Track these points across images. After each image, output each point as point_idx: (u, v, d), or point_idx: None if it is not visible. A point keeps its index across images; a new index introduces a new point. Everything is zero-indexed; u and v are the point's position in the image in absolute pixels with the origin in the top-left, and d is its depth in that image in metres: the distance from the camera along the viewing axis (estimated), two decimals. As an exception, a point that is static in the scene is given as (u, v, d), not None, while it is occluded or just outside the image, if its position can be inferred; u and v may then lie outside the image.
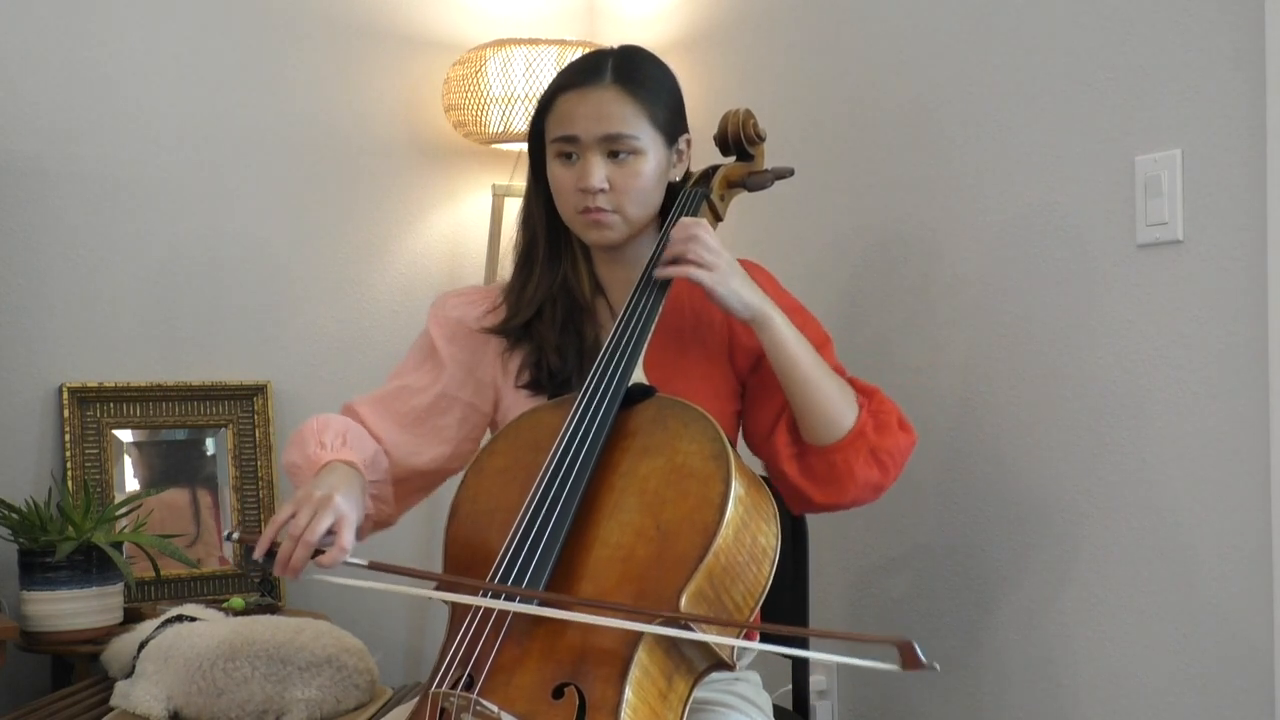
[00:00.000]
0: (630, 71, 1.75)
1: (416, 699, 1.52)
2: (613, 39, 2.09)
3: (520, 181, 1.98)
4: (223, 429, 2.66)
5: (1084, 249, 2.00)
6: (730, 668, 1.48)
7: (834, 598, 2.45)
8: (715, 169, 1.85)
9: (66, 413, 2.50)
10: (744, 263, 1.76)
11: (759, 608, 1.52)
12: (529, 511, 1.52)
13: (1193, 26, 1.84)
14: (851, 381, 1.76)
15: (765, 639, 1.69)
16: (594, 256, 1.84)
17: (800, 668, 1.99)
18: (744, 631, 1.54)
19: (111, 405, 2.55)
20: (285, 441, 1.89)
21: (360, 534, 1.74)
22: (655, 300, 1.70)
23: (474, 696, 1.40)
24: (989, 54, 2.14)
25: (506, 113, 2.67)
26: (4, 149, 2.47)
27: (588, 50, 2.50)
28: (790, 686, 2.01)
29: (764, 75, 2.59)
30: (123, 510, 2.39)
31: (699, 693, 1.50)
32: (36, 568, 2.27)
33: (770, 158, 1.89)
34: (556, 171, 1.76)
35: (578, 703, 1.40)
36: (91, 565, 2.27)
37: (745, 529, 1.50)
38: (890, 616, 2.35)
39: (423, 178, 2.89)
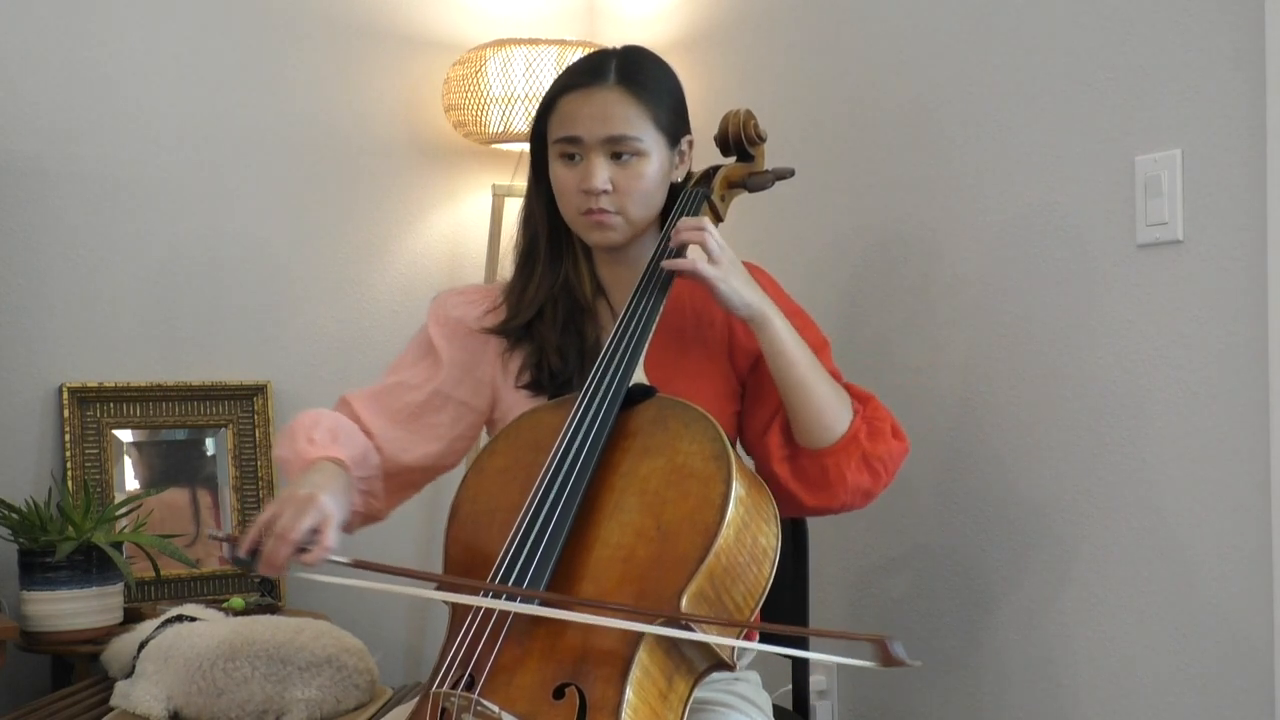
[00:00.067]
0: (634, 73, 1.75)
1: (417, 699, 1.53)
2: (613, 39, 2.09)
3: (521, 182, 1.98)
4: (223, 429, 2.66)
5: (1084, 249, 2.00)
6: (730, 668, 1.49)
7: (834, 598, 2.45)
8: (716, 169, 1.86)
9: (66, 413, 2.50)
10: (746, 264, 1.76)
11: (759, 608, 1.53)
12: (529, 512, 1.52)
13: (1193, 26, 1.85)
14: (848, 387, 1.76)
15: (762, 638, 1.69)
16: (595, 257, 1.84)
17: (800, 667, 1.99)
18: (744, 631, 1.54)
19: (111, 405, 2.55)
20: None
21: (349, 528, 1.76)
22: (656, 300, 1.70)
23: (475, 697, 1.40)
24: (989, 54, 2.14)
25: (506, 113, 2.67)
26: (4, 149, 2.47)
27: (588, 50, 2.51)
28: (790, 686, 2.01)
29: (764, 75, 2.60)
30: (123, 510, 2.39)
31: (699, 693, 1.50)
32: (36, 568, 2.27)
33: (770, 158, 1.89)
34: (559, 172, 1.76)
35: (578, 703, 1.40)
36: (91, 565, 2.27)
37: (746, 529, 1.50)
38: (890, 616, 2.35)
39: (423, 178, 2.89)
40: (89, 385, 2.53)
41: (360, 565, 1.50)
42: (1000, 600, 2.15)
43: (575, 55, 2.63)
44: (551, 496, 1.52)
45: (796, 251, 2.48)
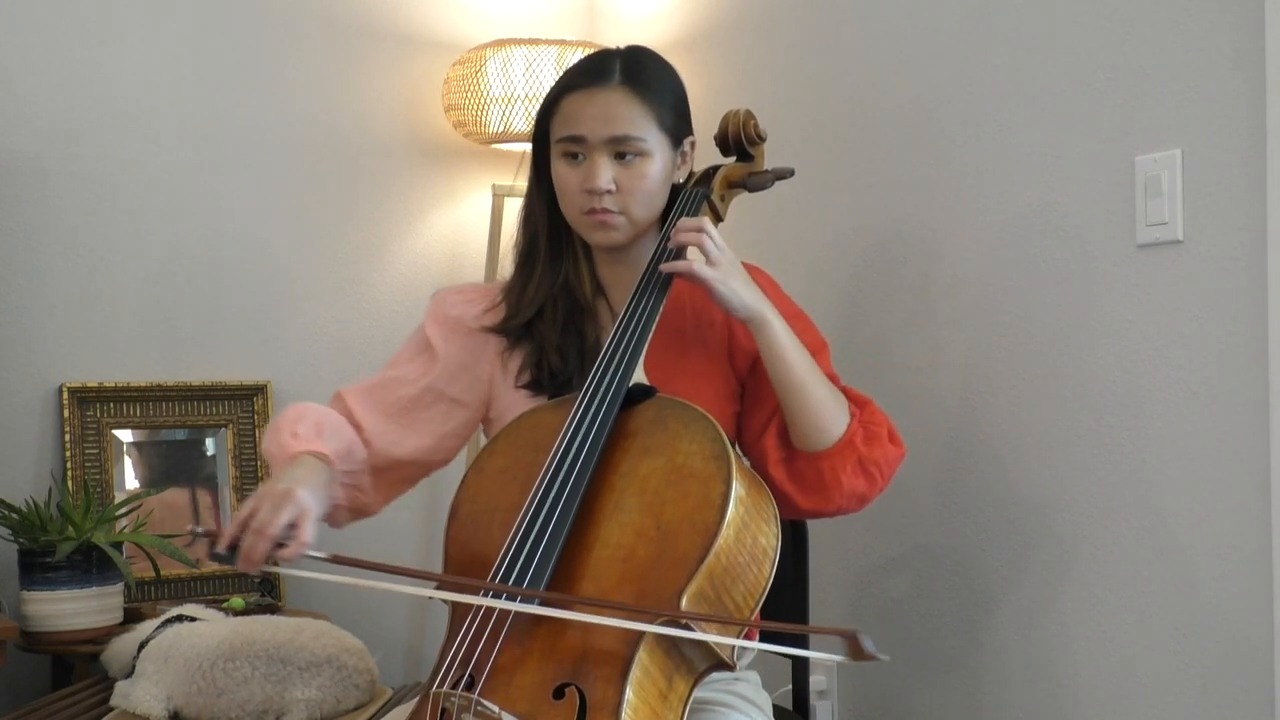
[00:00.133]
0: (638, 73, 1.75)
1: (417, 699, 1.53)
2: (613, 39, 2.09)
3: (521, 182, 1.98)
4: (223, 429, 2.66)
5: (1084, 249, 2.00)
6: (730, 668, 1.48)
7: (834, 598, 2.45)
8: (716, 169, 1.85)
9: (66, 413, 2.50)
10: (746, 265, 1.76)
11: (759, 608, 1.53)
12: (530, 511, 1.52)
13: (1193, 26, 1.85)
14: (845, 390, 1.76)
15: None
16: (595, 257, 1.84)
17: (800, 667, 1.99)
18: (744, 631, 1.54)
19: (111, 405, 2.55)
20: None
21: (336, 522, 1.77)
22: (656, 300, 1.70)
23: (475, 696, 1.40)
24: (989, 54, 2.14)
25: (506, 113, 2.67)
26: (4, 149, 2.47)
27: (588, 50, 2.51)
28: (790, 686, 2.01)
29: (764, 75, 2.59)
30: (123, 510, 2.39)
31: (699, 693, 1.50)
32: (36, 568, 2.27)
33: (770, 158, 1.89)
34: (561, 171, 1.76)
35: (578, 703, 1.40)
36: (91, 565, 2.27)
37: (746, 529, 1.50)
38: (890, 616, 2.35)
39: (423, 178, 2.89)
40: (89, 385, 2.53)
41: (338, 560, 1.51)
42: (1000, 600, 2.15)
43: (575, 55, 2.63)
44: (551, 496, 1.52)
45: (796, 251, 2.48)
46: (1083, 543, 2.01)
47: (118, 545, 2.30)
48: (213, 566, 2.60)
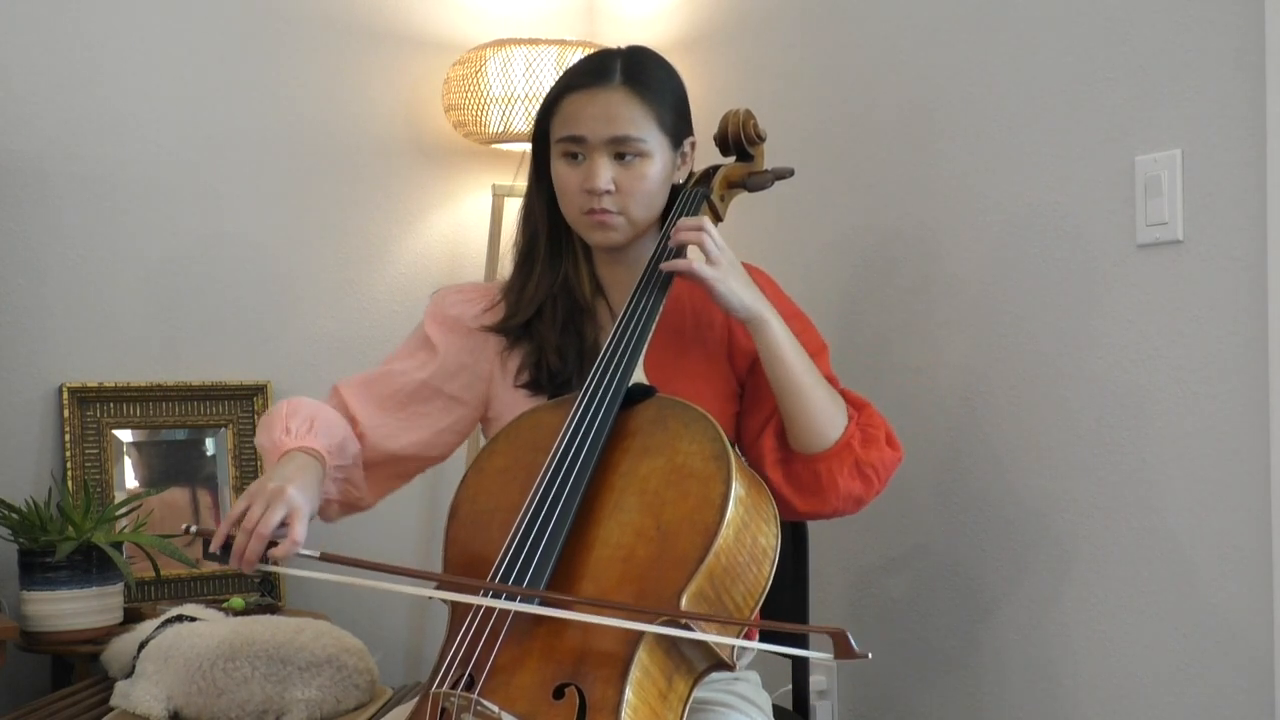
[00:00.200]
0: (639, 73, 1.75)
1: (416, 699, 1.52)
2: (613, 39, 2.09)
3: (521, 182, 1.98)
4: (223, 429, 2.66)
5: (1084, 249, 2.00)
6: (730, 668, 1.48)
7: (834, 598, 2.45)
8: (715, 169, 1.85)
9: (66, 413, 2.50)
10: (746, 266, 1.76)
11: (759, 608, 1.53)
12: (529, 511, 1.52)
13: (1193, 26, 1.84)
14: (844, 393, 1.76)
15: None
16: (595, 257, 1.84)
17: (800, 667, 1.99)
18: (744, 631, 1.54)
19: (111, 405, 2.55)
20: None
21: (329, 517, 1.78)
22: (655, 300, 1.70)
23: (474, 696, 1.40)
24: (989, 54, 2.14)
25: (506, 113, 2.67)
26: (4, 149, 2.47)
27: (588, 50, 2.51)
28: (790, 686, 2.01)
29: (764, 75, 2.59)
30: (123, 510, 2.39)
31: (699, 693, 1.50)
32: (36, 568, 2.27)
33: (770, 158, 1.89)
34: (561, 171, 1.76)
35: (578, 703, 1.40)
36: (91, 565, 2.27)
37: (746, 529, 1.50)
38: (890, 617, 2.35)
39: (423, 178, 2.89)
40: (89, 385, 2.53)
41: (331, 559, 1.51)
42: (1000, 600, 2.15)
43: (575, 55, 2.63)
44: (551, 496, 1.52)
45: (796, 252, 2.48)
46: (1083, 543, 2.01)
47: (118, 545, 2.30)
48: (213, 566, 2.60)
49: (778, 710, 1.88)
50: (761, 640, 1.63)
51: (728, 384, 1.80)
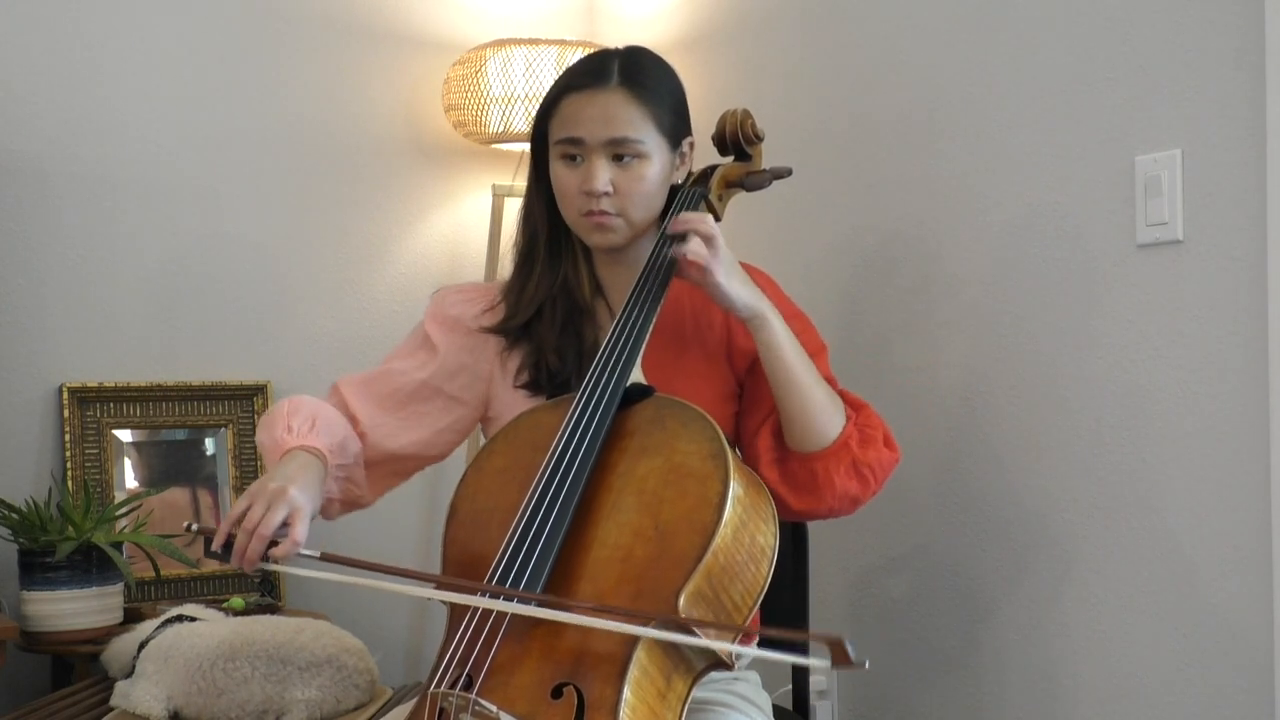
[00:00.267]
0: (636, 74, 1.74)
1: (416, 699, 1.52)
2: (613, 39, 2.09)
3: (521, 182, 1.98)
4: (223, 429, 2.66)
5: (1084, 249, 2.00)
6: (729, 667, 1.48)
7: (834, 598, 2.45)
8: (713, 169, 1.85)
9: (66, 413, 2.50)
10: (746, 266, 1.76)
11: (757, 607, 1.52)
12: (527, 512, 1.52)
13: (1193, 26, 1.84)
14: (842, 394, 1.76)
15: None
16: (594, 258, 1.84)
17: (800, 667, 1.98)
18: (740, 633, 1.54)
19: (111, 405, 2.55)
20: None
21: (330, 515, 1.78)
22: (654, 300, 1.70)
23: (473, 696, 1.40)
24: (989, 54, 2.14)
25: (506, 113, 2.67)
26: (4, 149, 2.47)
27: (588, 50, 2.51)
28: (790, 686, 2.01)
29: (764, 75, 2.59)
30: (123, 510, 2.39)
31: (698, 692, 1.50)
32: (36, 568, 2.27)
33: (770, 158, 1.89)
34: (560, 173, 1.76)
35: (576, 702, 1.40)
36: (91, 565, 2.27)
37: (744, 528, 1.50)
38: (890, 617, 2.35)
39: (423, 178, 2.89)
40: (89, 385, 2.53)
41: (330, 559, 1.51)
42: (1000, 600, 2.15)
43: (575, 55, 2.63)
44: (549, 496, 1.52)
45: (796, 251, 2.48)
46: (1083, 543, 2.01)
47: (118, 545, 2.30)
48: (213, 566, 2.60)
49: (778, 710, 1.88)
50: (759, 646, 1.63)
51: (727, 384, 1.80)
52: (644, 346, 1.66)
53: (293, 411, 1.73)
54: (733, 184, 1.86)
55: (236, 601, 2.39)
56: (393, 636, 2.80)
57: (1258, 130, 1.77)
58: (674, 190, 1.81)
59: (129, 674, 2.10)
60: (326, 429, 1.73)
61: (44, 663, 2.42)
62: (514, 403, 1.79)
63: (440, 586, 1.57)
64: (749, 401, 1.79)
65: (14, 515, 2.27)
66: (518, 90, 2.65)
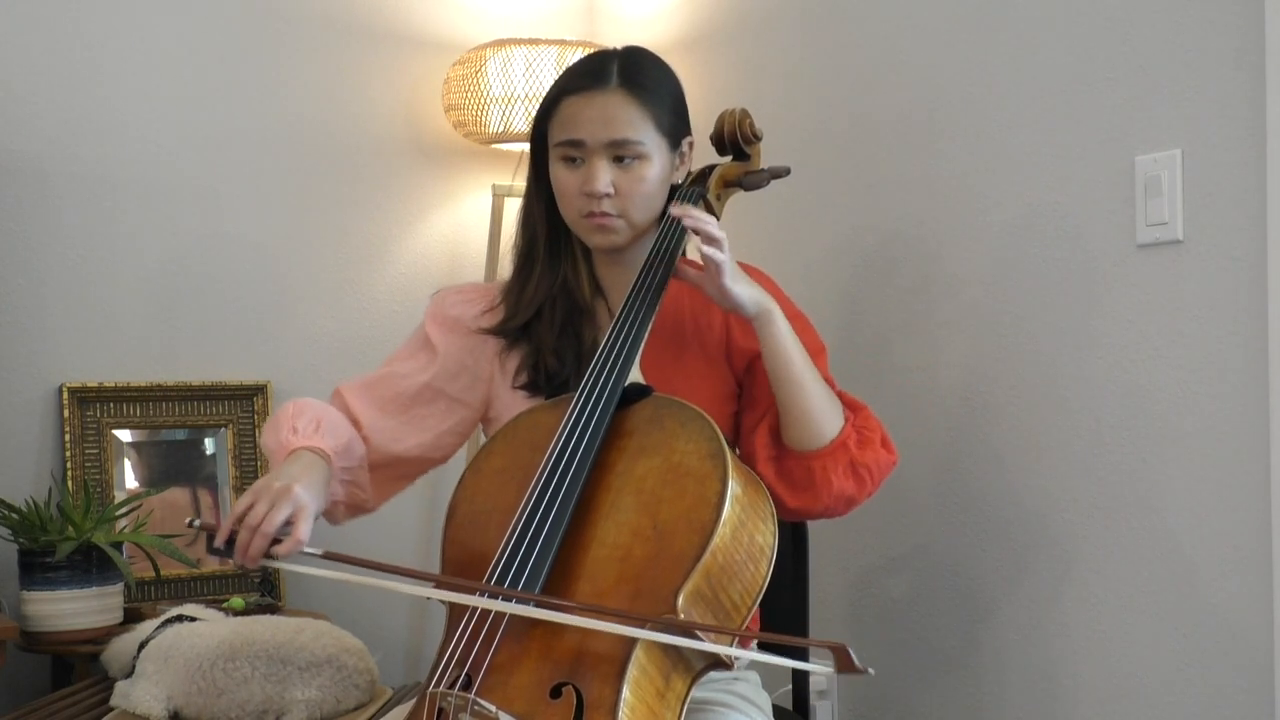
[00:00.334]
0: (636, 75, 1.74)
1: (415, 699, 1.52)
2: (613, 39, 2.09)
3: (521, 182, 1.98)
4: (223, 429, 2.66)
5: (1084, 249, 2.00)
6: (728, 667, 1.48)
7: (834, 598, 2.45)
8: (712, 168, 1.85)
9: (66, 413, 2.50)
10: (746, 267, 1.76)
11: (757, 606, 1.52)
12: (526, 512, 1.52)
13: (1193, 26, 1.84)
14: (840, 395, 1.76)
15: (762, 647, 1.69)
16: (594, 258, 1.84)
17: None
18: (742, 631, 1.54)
19: (111, 405, 2.55)
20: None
21: (335, 519, 1.78)
22: (652, 300, 1.70)
23: (472, 696, 1.40)
24: (989, 54, 2.13)
25: (506, 113, 2.67)
26: (4, 149, 2.47)
27: (588, 50, 2.51)
28: (790, 686, 2.01)
29: (764, 75, 2.59)
30: (123, 510, 2.39)
31: (698, 692, 1.50)
32: (36, 568, 2.27)
33: (770, 158, 1.89)
34: (560, 174, 1.76)
35: (575, 702, 1.40)
36: (91, 565, 2.27)
37: (743, 528, 1.50)
38: (890, 617, 2.35)
39: (423, 178, 2.89)
40: (89, 385, 2.53)
41: (333, 557, 1.51)
42: (1000, 600, 2.15)
43: (575, 55, 2.63)
44: (548, 496, 1.52)
45: (796, 251, 2.48)
46: (1083, 543, 2.01)
47: (118, 545, 2.30)
48: (213, 566, 2.60)
49: (778, 710, 1.88)
50: (764, 651, 1.63)
51: (726, 384, 1.80)
52: (642, 346, 1.66)
53: (297, 413, 1.73)
54: (731, 183, 1.86)
55: (236, 601, 2.39)
56: (393, 636, 2.80)
57: (1258, 130, 1.77)
58: (673, 190, 1.81)
59: (129, 674, 2.10)
60: (331, 431, 1.73)
61: (44, 663, 2.43)
62: (513, 403, 1.79)
63: (439, 586, 1.56)
64: (747, 400, 1.79)
65: (14, 515, 2.27)
66: (518, 90, 2.65)
